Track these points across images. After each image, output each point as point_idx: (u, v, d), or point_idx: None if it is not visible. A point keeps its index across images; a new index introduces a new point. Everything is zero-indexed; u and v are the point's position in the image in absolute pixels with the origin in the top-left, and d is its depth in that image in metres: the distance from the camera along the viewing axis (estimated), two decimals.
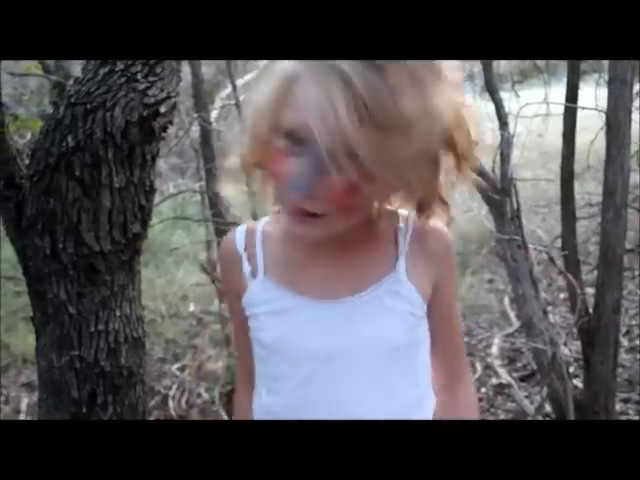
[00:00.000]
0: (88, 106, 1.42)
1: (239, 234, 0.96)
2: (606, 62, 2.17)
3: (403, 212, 0.93)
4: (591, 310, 2.11)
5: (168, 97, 1.48)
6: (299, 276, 0.91)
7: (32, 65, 2.62)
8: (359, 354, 0.88)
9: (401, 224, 0.93)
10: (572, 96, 2.53)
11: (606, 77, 2.03)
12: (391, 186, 0.82)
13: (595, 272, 2.31)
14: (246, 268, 0.93)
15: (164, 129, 1.51)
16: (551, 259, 2.45)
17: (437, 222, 0.92)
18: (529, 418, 2.56)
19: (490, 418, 2.71)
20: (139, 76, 1.43)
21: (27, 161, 1.51)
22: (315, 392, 0.89)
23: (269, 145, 0.80)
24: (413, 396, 0.93)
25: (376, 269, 0.90)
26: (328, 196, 0.76)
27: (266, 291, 0.91)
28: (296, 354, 0.89)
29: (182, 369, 3.44)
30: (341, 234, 0.86)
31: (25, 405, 3.18)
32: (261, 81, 0.84)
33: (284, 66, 0.80)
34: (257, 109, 0.82)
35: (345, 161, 0.73)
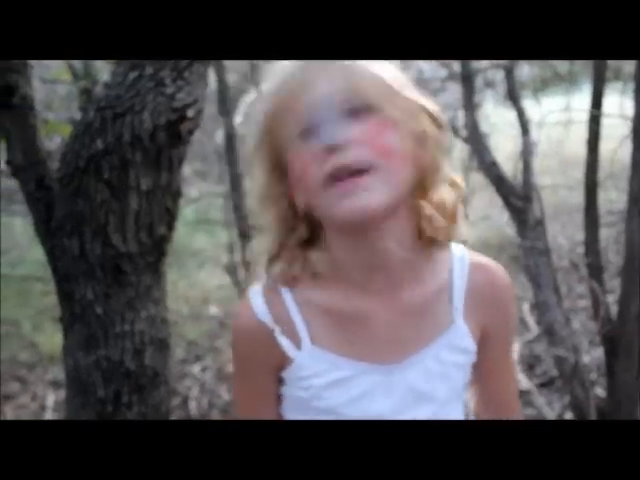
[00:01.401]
0: (117, 110, 1.45)
1: (258, 304, 0.84)
2: (631, 70, 2.16)
3: (455, 250, 0.86)
4: (614, 318, 2.10)
5: (195, 101, 1.51)
6: (352, 339, 0.83)
7: (62, 70, 2.67)
8: (423, 409, 0.86)
9: (454, 265, 0.85)
10: (597, 103, 2.52)
11: (630, 85, 2.02)
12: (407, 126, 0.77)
13: (615, 280, 2.30)
14: (284, 342, 0.83)
15: (191, 133, 1.54)
16: (575, 266, 2.44)
17: (495, 262, 0.88)
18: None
19: None
20: (167, 81, 1.46)
21: (57, 164, 1.54)
22: None
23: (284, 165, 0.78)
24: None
25: (433, 323, 0.84)
26: (364, 139, 0.73)
27: (318, 363, 0.82)
28: (359, 418, 0.84)
29: (203, 370, 3.47)
30: (393, 278, 0.80)
31: (51, 402, 3.23)
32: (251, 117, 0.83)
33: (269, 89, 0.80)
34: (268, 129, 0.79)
35: (366, 98, 0.75)
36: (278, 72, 0.80)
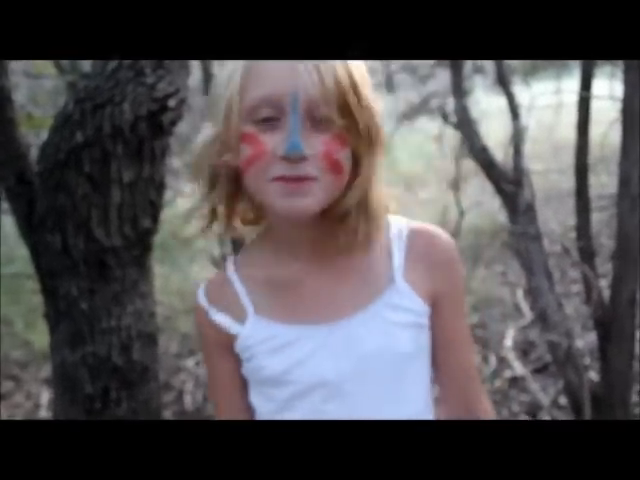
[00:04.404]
0: (97, 101, 1.42)
1: (201, 292, 0.92)
2: None
3: (396, 219, 0.90)
4: (607, 302, 2.09)
5: (177, 91, 1.48)
6: (292, 303, 0.87)
7: (46, 64, 2.64)
8: (368, 371, 0.86)
9: (394, 231, 0.89)
10: (586, 86, 2.50)
11: (620, 67, 2.00)
12: (362, 134, 0.79)
13: (607, 264, 2.29)
14: (221, 318, 0.89)
15: (173, 124, 1.51)
16: (567, 251, 2.43)
17: (434, 226, 0.90)
18: (544, 410, 2.55)
19: (504, 410, 2.70)
20: (147, 70, 1.43)
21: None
22: (329, 414, 0.86)
23: (237, 137, 0.78)
24: (424, 400, 0.91)
25: (372, 283, 0.87)
26: (319, 153, 0.77)
27: (261, 331, 0.87)
28: (305, 384, 0.86)
29: (197, 364, 3.46)
30: (330, 246, 0.84)
31: (45, 400, 3.21)
32: (217, 85, 0.82)
33: (235, 63, 0.81)
34: (224, 104, 0.79)
35: (331, 111, 0.76)
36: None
